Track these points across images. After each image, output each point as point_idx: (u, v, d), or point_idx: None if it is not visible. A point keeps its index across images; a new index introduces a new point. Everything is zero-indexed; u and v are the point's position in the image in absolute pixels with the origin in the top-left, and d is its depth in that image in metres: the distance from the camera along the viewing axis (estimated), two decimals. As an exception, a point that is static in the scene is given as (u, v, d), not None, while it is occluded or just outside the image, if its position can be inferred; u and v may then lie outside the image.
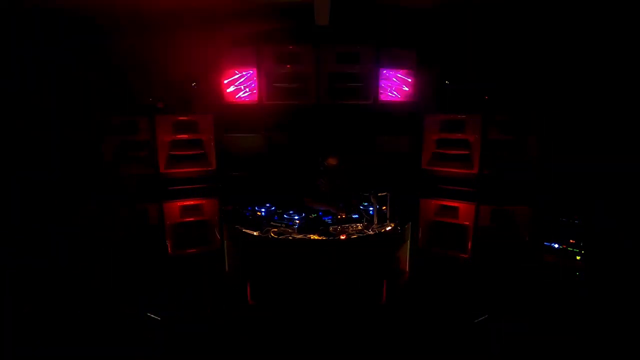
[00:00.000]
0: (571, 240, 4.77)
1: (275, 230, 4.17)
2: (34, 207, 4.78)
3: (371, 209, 4.33)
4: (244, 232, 4.20)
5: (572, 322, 3.85)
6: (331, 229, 4.16)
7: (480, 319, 3.77)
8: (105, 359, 3.51)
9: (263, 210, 4.61)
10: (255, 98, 5.23)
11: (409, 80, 5.26)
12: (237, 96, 5.24)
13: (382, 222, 4.28)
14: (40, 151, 4.88)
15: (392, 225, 4.30)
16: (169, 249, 5.32)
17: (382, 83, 5.26)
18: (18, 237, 4.58)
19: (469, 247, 5.27)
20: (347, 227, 4.18)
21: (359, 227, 4.21)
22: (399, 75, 5.26)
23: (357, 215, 4.51)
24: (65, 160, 4.94)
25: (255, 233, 4.17)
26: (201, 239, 5.46)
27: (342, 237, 4.06)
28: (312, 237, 4.05)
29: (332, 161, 4.79)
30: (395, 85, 5.29)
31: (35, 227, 4.75)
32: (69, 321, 3.94)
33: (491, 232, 5.18)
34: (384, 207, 4.36)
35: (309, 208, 4.68)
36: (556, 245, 4.87)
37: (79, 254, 4.87)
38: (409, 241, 4.74)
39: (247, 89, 5.23)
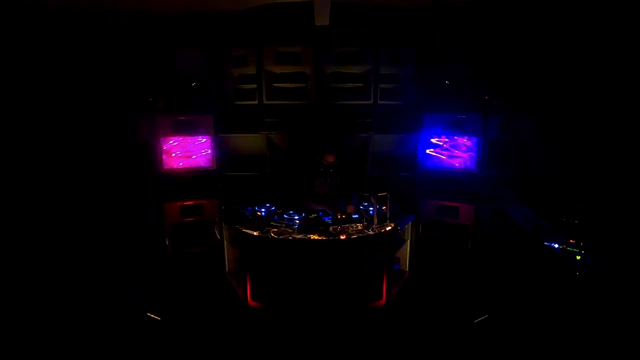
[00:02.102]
0: (571, 240, 4.76)
1: (275, 230, 4.17)
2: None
3: (371, 209, 4.33)
4: (244, 232, 4.20)
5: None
6: (331, 229, 4.16)
7: (480, 319, 3.76)
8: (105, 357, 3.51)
9: (263, 210, 4.60)
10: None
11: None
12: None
13: (382, 222, 4.28)
14: (41, 152, 4.89)
15: (392, 225, 4.30)
16: (169, 249, 5.32)
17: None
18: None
19: (469, 247, 5.27)
20: (347, 227, 4.18)
21: (359, 227, 4.21)
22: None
23: (357, 215, 4.51)
24: (65, 161, 4.95)
25: (255, 233, 4.16)
26: (201, 239, 5.46)
27: (342, 237, 4.05)
28: (312, 237, 4.05)
29: (330, 159, 4.76)
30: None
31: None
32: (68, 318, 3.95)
33: (491, 232, 5.18)
34: (384, 207, 4.35)
35: (308, 208, 4.68)
36: (556, 245, 4.87)
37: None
38: (409, 241, 4.74)
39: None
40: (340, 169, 4.91)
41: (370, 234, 4.13)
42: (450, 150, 5.29)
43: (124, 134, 5.09)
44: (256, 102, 5.30)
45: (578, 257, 4.68)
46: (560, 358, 3.52)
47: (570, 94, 4.91)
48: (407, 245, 4.73)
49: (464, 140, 5.21)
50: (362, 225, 4.24)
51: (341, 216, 4.46)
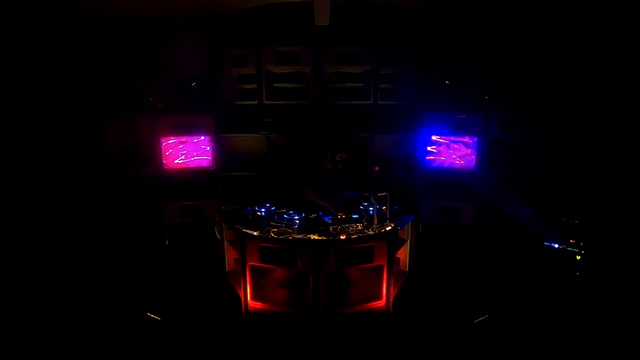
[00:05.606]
0: (571, 240, 4.76)
1: (275, 230, 4.17)
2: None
3: (371, 209, 4.33)
4: (244, 232, 4.20)
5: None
6: (331, 228, 4.16)
7: (480, 319, 3.77)
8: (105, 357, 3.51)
9: (263, 210, 4.60)
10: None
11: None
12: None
13: (382, 222, 4.28)
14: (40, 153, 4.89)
15: (392, 225, 4.29)
16: (169, 249, 5.31)
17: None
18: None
19: (469, 247, 5.26)
20: (347, 227, 4.18)
21: (359, 227, 4.21)
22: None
23: (357, 215, 4.51)
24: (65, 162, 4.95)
25: (255, 233, 4.16)
26: (201, 239, 5.45)
27: (342, 237, 4.05)
28: (312, 237, 4.05)
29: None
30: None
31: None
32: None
33: (492, 232, 5.17)
34: (384, 207, 4.35)
35: (308, 207, 4.67)
36: (556, 245, 4.87)
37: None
38: (409, 241, 4.74)
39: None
40: (347, 166, 4.94)
41: (370, 234, 4.13)
42: (450, 150, 5.29)
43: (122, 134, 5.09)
44: (256, 102, 5.29)
45: (578, 257, 4.68)
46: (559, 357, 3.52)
47: (569, 97, 4.91)
48: (407, 245, 4.73)
49: (464, 140, 5.21)
50: (362, 225, 4.23)
51: (341, 216, 4.46)
